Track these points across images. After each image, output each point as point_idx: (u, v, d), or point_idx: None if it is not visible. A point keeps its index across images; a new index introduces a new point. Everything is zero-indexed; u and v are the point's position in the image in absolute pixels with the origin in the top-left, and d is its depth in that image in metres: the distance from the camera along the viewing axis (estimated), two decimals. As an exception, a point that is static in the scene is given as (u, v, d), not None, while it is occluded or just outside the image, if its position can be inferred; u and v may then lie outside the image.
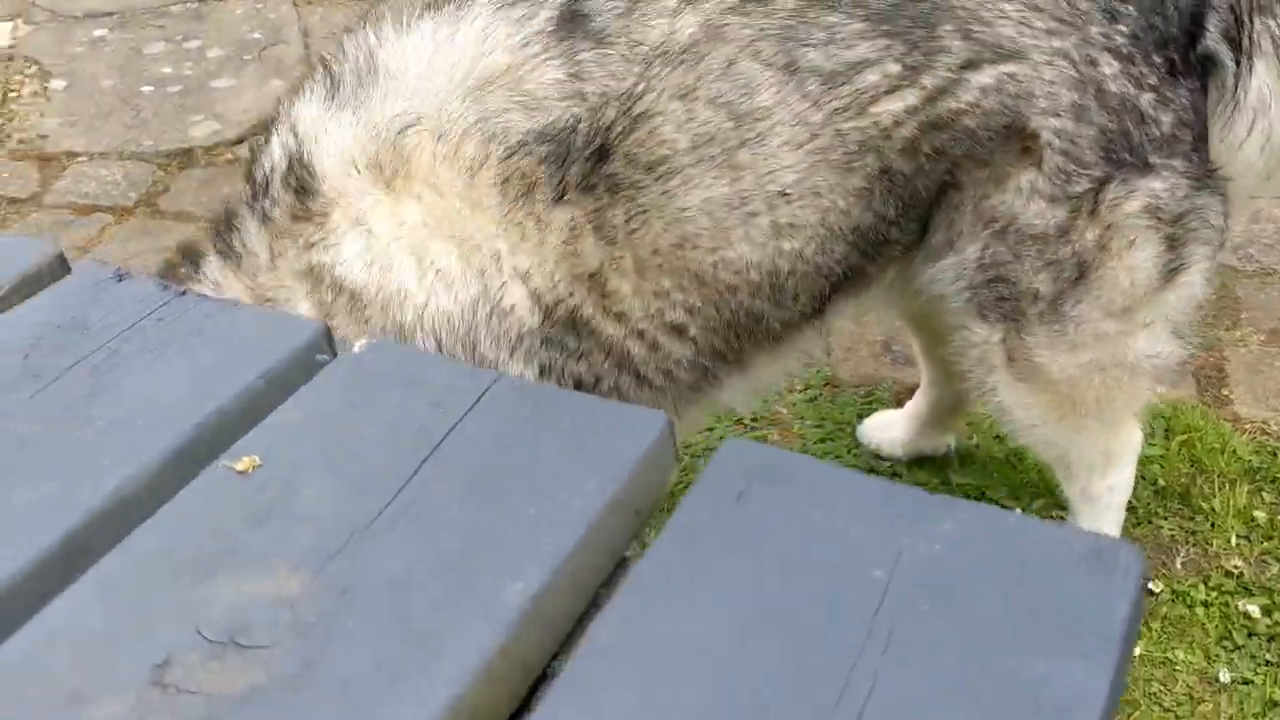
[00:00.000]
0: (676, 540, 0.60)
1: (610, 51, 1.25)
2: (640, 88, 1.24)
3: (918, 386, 1.93)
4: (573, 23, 1.27)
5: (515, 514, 0.61)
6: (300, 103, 1.32)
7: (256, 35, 3.20)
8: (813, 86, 1.26)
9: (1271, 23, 1.34)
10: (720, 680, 0.52)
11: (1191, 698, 1.62)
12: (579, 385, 1.32)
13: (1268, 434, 2.01)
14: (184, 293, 0.79)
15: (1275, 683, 1.62)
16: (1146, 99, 1.30)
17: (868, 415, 2.03)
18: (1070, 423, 1.48)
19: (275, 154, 1.30)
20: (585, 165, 1.25)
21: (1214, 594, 1.77)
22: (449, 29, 1.28)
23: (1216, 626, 1.72)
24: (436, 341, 1.26)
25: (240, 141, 2.80)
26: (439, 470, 0.65)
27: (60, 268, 0.83)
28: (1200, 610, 1.75)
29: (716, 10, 1.26)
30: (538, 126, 1.25)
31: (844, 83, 1.26)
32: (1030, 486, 1.90)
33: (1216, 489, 1.92)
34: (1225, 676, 1.65)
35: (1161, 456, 1.98)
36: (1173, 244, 1.36)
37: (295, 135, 1.29)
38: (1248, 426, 2.02)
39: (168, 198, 2.68)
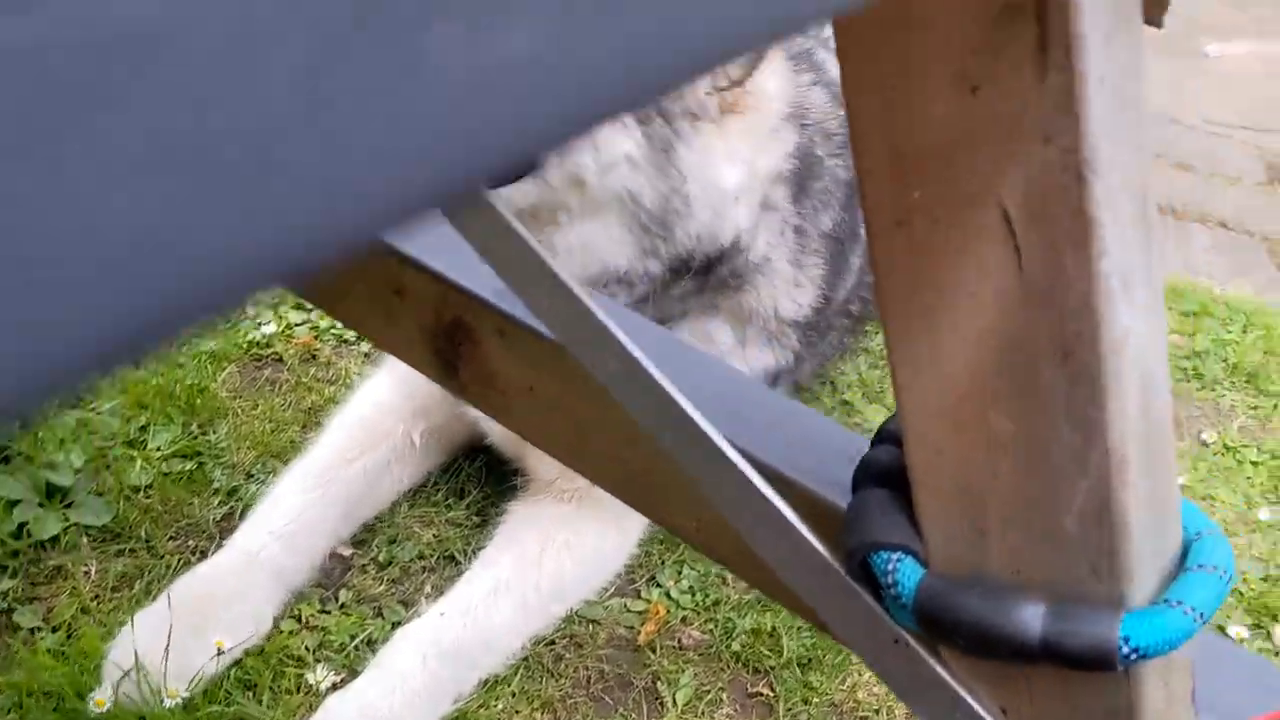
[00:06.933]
0: None
1: None
2: None
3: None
4: None
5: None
6: None
7: None
8: None
9: None
10: None
11: (1227, 530, 1.71)
12: None
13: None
14: None
15: (1317, 538, 1.73)
16: None
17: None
18: None
19: None
20: None
21: (1265, 456, 1.89)
22: None
23: (1264, 481, 1.84)
24: None
25: None
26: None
27: None
28: (1249, 466, 1.87)
29: None
30: None
31: None
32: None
33: (1285, 378, 2.10)
34: (1265, 515, 1.75)
35: (1236, 342, 2.18)
36: None
37: None
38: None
39: None
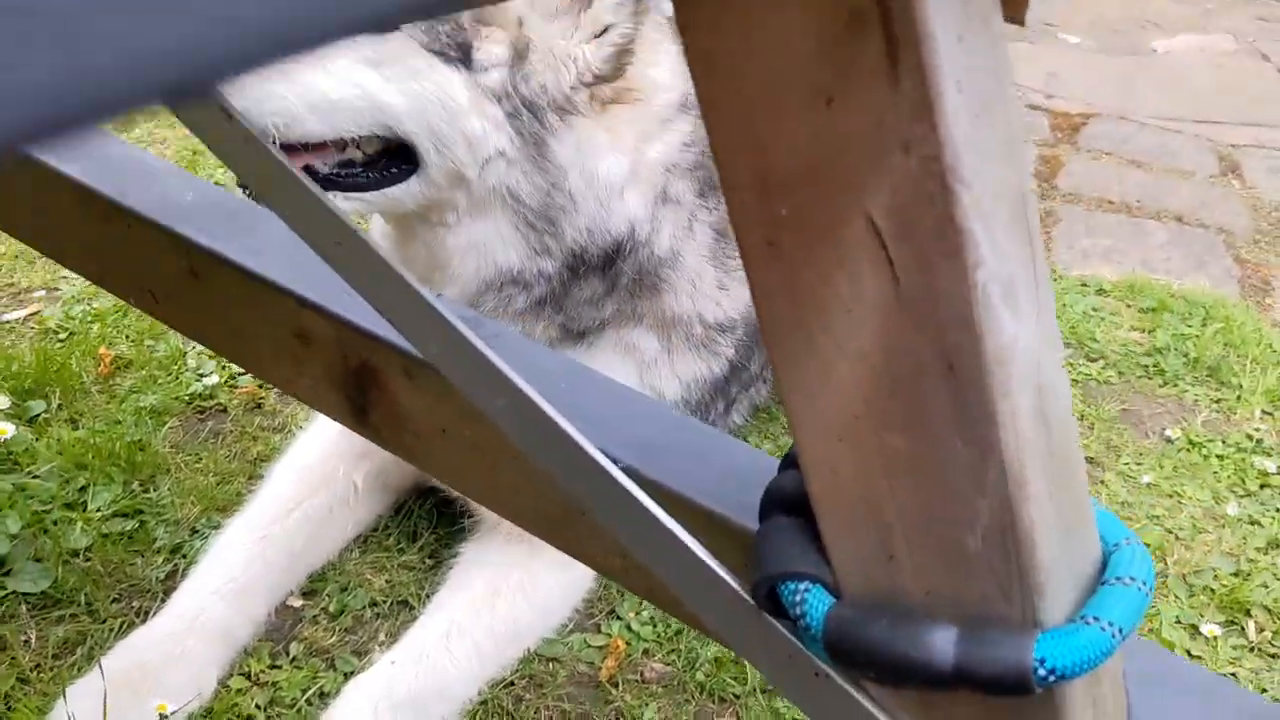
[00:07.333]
0: None
1: None
2: None
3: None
4: None
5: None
6: None
7: None
8: None
9: None
10: None
11: (1195, 527, 1.71)
12: None
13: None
14: None
15: (1283, 528, 1.71)
16: None
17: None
18: None
19: None
20: None
21: (1231, 449, 1.88)
22: None
23: (1230, 475, 1.82)
24: None
25: None
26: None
27: None
28: (1215, 460, 1.86)
29: None
30: None
31: None
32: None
33: (1246, 369, 2.09)
34: (1233, 510, 1.74)
35: (1196, 336, 2.17)
36: None
37: None
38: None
39: None
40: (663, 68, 1.39)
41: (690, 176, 1.42)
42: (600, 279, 1.38)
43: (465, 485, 0.81)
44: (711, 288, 1.47)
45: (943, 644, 0.51)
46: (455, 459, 0.80)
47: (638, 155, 1.36)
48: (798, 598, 0.55)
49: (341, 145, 1.32)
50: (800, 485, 0.57)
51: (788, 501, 0.58)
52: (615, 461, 0.60)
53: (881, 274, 0.46)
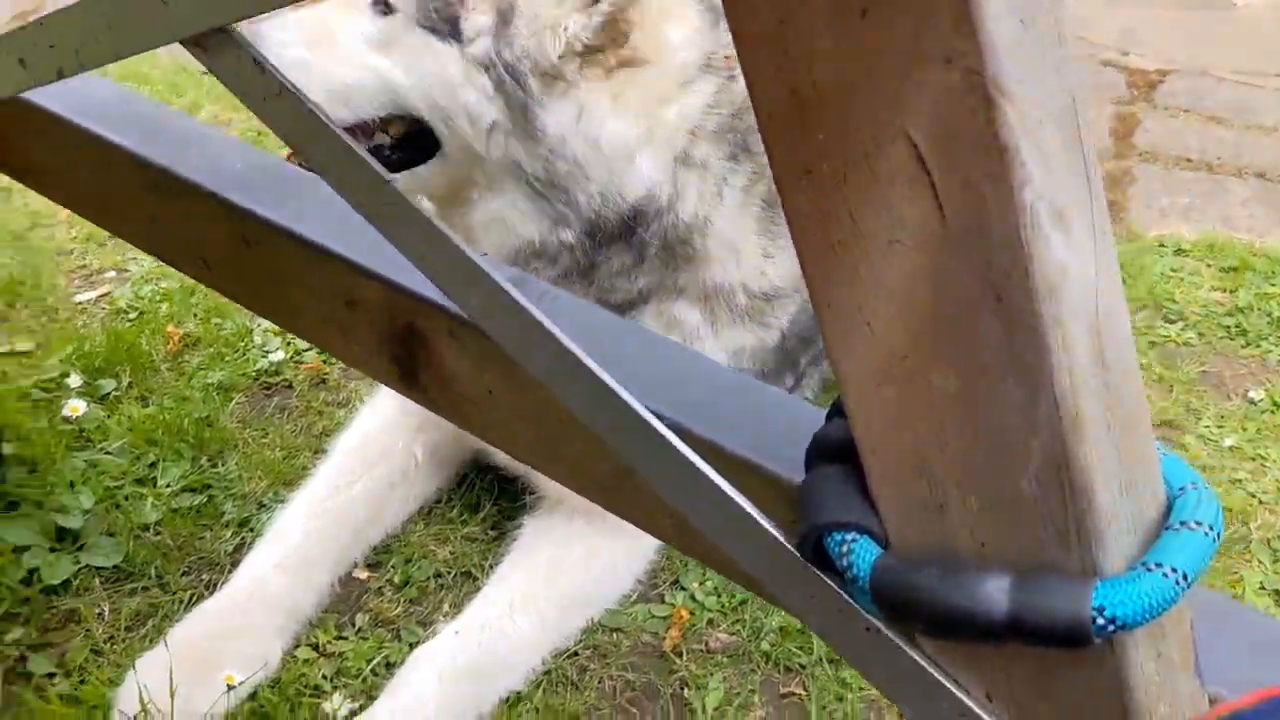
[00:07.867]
0: None
1: None
2: None
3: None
4: None
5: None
6: None
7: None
8: None
9: None
10: None
11: (1279, 490, 1.66)
12: None
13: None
14: None
15: (1369, 499, 1.64)
16: None
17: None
18: None
19: None
20: None
21: (1317, 412, 1.82)
22: None
23: (1316, 439, 1.76)
24: None
25: None
26: None
27: None
28: (1300, 422, 1.80)
29: None
30: None
31: None
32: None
33: (1333, 331, 2.02)
34: (1317, 477, 1.68)
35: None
36: None
37: None
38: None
39: None
40: (679, 27, 1.35)
41: (717, 140, 1.37)
42: (625, 248, 1.36)
43: (513, 447, 0.80)
44: (755, 256, 1.43)
45: (996, 593, 0.49)
46: (503, 420, 0.79)
47: (652, 118, 1.33)
48: (844, 548, 0.53)
49: (369, 130, 1.34)
50: (847, 433, 0.55)
51: (834, 450, 0.56)
52: (660, 417, 0.59)
53: (923, 198, 0.43)
